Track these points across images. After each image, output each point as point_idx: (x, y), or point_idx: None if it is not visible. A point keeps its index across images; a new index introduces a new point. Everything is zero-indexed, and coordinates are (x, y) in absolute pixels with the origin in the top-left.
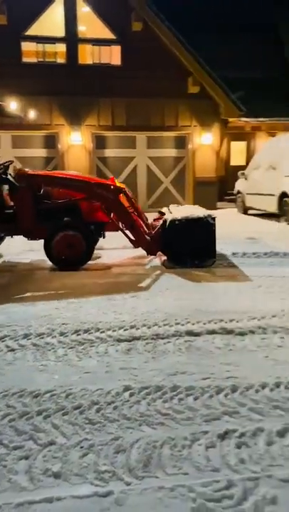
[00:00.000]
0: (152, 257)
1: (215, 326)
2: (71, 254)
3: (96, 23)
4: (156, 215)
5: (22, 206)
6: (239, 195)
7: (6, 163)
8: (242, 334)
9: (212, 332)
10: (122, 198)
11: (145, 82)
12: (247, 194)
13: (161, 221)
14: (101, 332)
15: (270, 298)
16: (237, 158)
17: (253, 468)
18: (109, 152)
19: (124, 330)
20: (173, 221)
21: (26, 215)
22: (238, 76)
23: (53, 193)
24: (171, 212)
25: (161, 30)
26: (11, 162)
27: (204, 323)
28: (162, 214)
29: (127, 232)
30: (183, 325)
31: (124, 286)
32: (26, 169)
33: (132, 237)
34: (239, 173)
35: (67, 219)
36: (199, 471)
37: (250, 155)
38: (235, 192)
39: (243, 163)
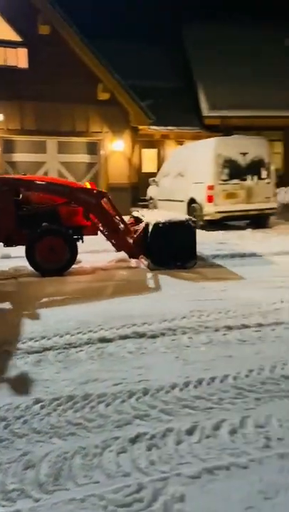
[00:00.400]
0: (134, 260)
1: (128, 331)
2: (54, 260)
3: (0, 24)
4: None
5: (2, 212)
6: (151, 201)
7: None
8: (153, 337)
9: (124, 337)
10: (105, 203)
11: (54, 86)
12: (159, 200)
13: (141, 225)
14: (11, 344)
15: (180, 300)
16: (148, 165)
17: (163, 468)
18: (19, 156)
19: (35, 341)
20: (157, 225)
21: (7, 221)
22: (147, 85)
23: (33, 198)
24: (143, 216)
25: (69, 35)
26: None
27: (117, 329)
28: (136, 218)
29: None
30: (96, 332)
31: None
32: None
33: (114, 241)
34: (150, 179)
35: (45, 224)
36: (110, 478)
37: (160, 162)
38: (147, 198)
39: (154, 170)
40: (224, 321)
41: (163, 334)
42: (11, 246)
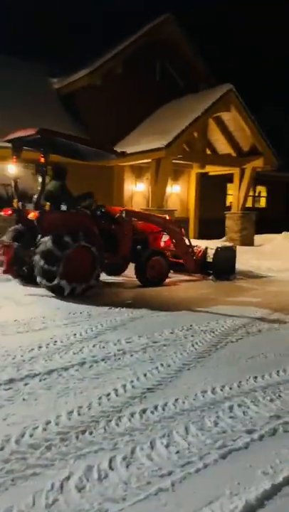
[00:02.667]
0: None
1: None
2: (157, 275)
3: None
4: None
5: (125, 237)
6: None
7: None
8: None
9: None
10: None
11: None
12: None
13: (197, 249)
14: None
15: None
16: None
17: None
18: None
19: None
20: (218, 249)
21: (127, 245)
22: None
23: (138, 226)
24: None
25: None
26: (94, 201)
27: None
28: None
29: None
30: None
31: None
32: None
33: (184, 260)
34: None
35: (138, 247)
36: None
37: None
38: None
39: None
40: None
41: None
42: (123, 264)
